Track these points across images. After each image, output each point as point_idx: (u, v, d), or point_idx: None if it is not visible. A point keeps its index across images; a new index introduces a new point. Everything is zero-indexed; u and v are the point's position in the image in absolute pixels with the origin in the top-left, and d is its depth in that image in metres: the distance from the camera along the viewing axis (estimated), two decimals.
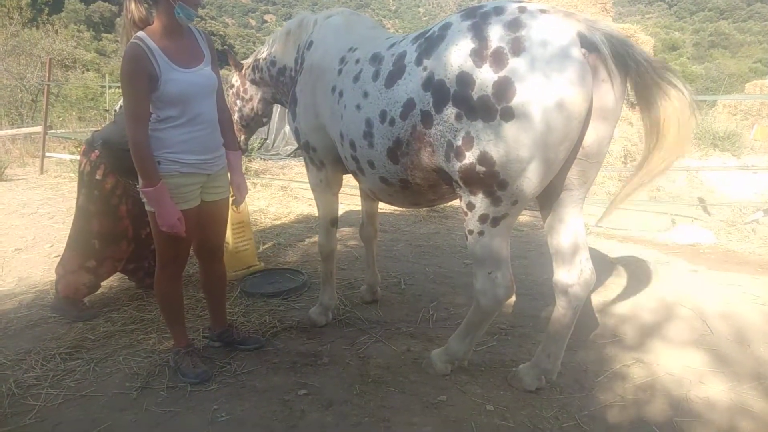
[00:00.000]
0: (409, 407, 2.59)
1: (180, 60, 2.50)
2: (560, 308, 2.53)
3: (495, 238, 2.32)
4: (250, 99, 3.74)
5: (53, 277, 4.36)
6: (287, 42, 3.37)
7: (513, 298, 3.83)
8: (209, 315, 3.23)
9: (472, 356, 2.98)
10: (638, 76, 2.03)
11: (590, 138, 2.17)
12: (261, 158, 10.31)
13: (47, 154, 9.96)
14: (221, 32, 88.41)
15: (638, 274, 4.18)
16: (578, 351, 3.09)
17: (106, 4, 78.50)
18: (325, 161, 3.14)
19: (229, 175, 2.89)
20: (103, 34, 62.75)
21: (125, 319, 3.58)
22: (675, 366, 2.94)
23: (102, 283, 3.88)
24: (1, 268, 4.54)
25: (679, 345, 3.17)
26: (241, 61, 3.81)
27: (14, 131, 11.82)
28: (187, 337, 3.00)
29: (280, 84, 3.51)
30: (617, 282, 4.08)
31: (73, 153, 9.95)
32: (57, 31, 21.87)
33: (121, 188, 3.65)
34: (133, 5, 2.47)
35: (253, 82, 3.69)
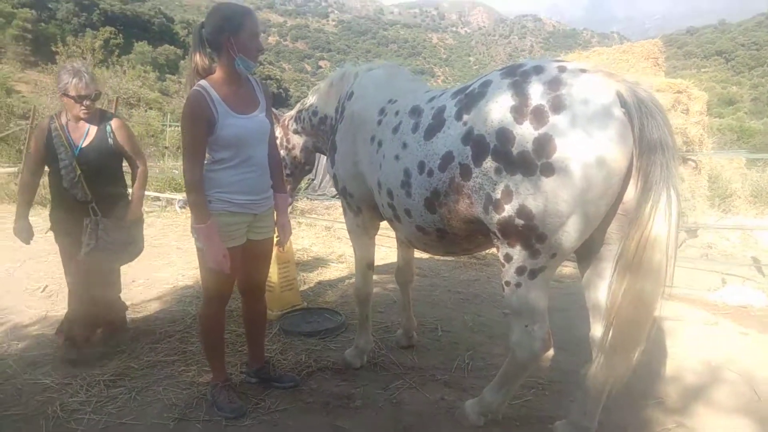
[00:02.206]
0: None
1: (237, 107, 2.67)
2: (596, 365, 2.48)
3: (532, 291, 2.32)
4: (293, 148, 3.89)
5: None
6: (329, 93, 3.53)
7: (552, 352, 3.76)
8: (248, 351, 3.30)
9: (507, 410, 2.91)
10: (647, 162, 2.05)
11: (631, 194, 2.17)
12: (308, 198, 10.56)
13: None
14: (278, 77, 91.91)
15: (683, 335, 4.03)
16: (618, 411, 2.98)
17: (172, 47, 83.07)
18: (362, 207, 3.22)
19: (275, 215, 3.01)
20: (167, 75, 66.09)
21: (168, 349, 3.68)
22: None
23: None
24: (56, 294, 4.77)
25: (724, 411, 3.03)
26: (283, 113, 4.04)
27: None
28: (225, 371, 3.06)
29: (320, 132, 3.65)
30: (661, 342, 3.94)
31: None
32: (125, 71, 23.30)
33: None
34: (198, 57, 2.65)
35: (295, 132, 3.85)
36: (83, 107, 3.39)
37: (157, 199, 9.52)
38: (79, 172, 3.39)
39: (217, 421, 2.83)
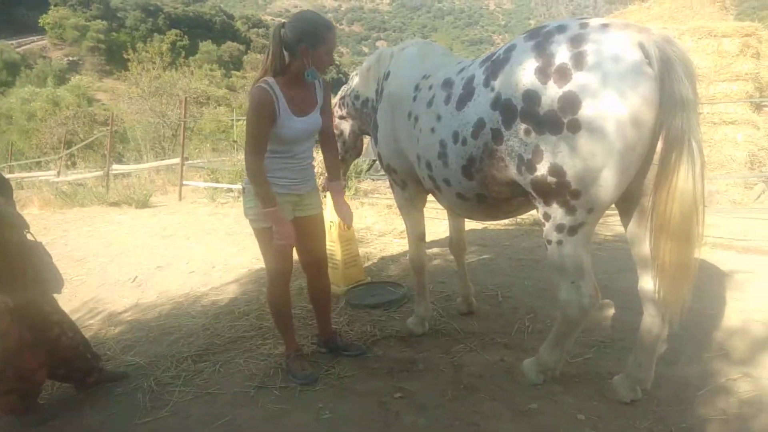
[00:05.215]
0: (500, 414, 2.66)
1: (297, 108, 2.84)
2: (648, 316, 2.52)
3: (574, 247, 2.38)
4: (341, 134, 4.02)
5: (188, 290, 4.97)
6: (368, 76, 3.63)
7: (614, 311, 3.77)
8: (317, 323, 3.52)
9: (568, 367, 2.99)
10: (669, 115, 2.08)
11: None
12: (371, 179, 10.75)
13: (185, 182, 11.12)
14: (337, 62, 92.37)
15: (753, 287, 3.91)
16: (680, 364, 2.99)
17: (234, 43, 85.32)
18: (407, 181, 3.33)
19: (332, 202, 3.20)
20: (233, 72, 68.03)
21: (246, 326, 3.96)
22: None
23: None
24: (145, 283, 5.23)
25: None
26: None
27: (157, 163, 13.37)
28: (296, 342, 3.30)
29: (364, 115, 3.76)
30: (730, 295, 3.85)
31: (206, 181, 11.04)
32: (192, 71, 24.34)
33: None
34: (276, 58, 2.77)
35: (341, 118, 3.98)
36: None
37: (230, 190, 10.02)
38: None
39: (292, 387, 3.06)
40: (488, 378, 3.00)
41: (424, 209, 3.56)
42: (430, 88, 2.92)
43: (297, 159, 2.96)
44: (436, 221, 6.58)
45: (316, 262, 3.29)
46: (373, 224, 7.07)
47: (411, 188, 3.36)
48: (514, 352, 3.29)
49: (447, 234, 4.00)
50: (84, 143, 18.12)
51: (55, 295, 3.21)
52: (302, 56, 2.72)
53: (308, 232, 3.14)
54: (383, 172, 3.60)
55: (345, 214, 3.20)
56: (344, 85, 4.05)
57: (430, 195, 3.35)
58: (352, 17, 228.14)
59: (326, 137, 3.18)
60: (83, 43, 65.26)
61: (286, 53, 2.78)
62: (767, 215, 5.93)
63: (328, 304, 3.48)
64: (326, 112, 3.10)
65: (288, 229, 2.84)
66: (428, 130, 2.84)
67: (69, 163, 17.80)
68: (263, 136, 2.76)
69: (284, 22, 2.78)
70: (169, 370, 3.39)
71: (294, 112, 2.81)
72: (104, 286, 5.34)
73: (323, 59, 2.78)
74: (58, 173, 15.60)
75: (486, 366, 3.14)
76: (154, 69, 21.15)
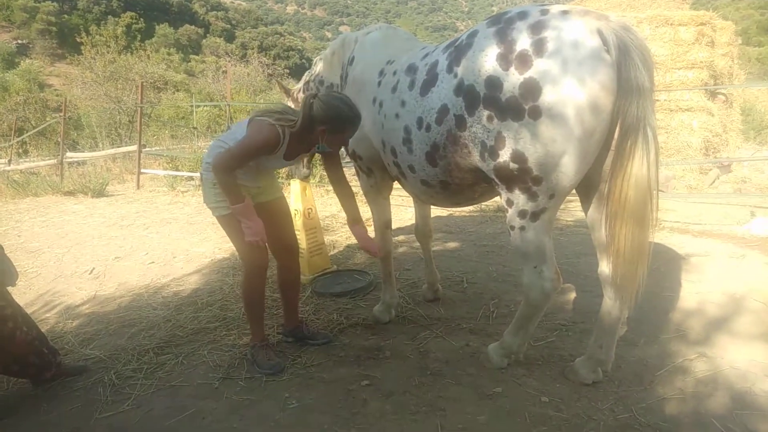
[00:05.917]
0: (465, 398, 2.69)
1: (289, 155, 2.97)
2: (608, 299, 2.58)
3: (537, 233, 2.41)
4: None
5: (148, 281, 4.85)
6: (333, 61, 3.60)
7: (575, 294, 3.86)
8: (283, 313, 3.49)
9: (531, 351, 3.04)
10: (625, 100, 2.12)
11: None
12: None
13: (143, 170, 10.81)
14: (299, 47, 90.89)
15: (709, 269, 4.05)
16: (640, 346, 3.08)
17: (193, 27, 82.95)
18: (373, 168, 3.32)
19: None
20: (191, 56, 66.27)
21: (210, 317, 3.90)
22: (740, 360, 2.87)
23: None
24: (103, 275, 5.08)
25: (747, 339, 3.09)
26: (290, 87, 4.12)
27: (113, 151, 12.97)
28: (263, 332, 3.26)
29: None
30: (686, 277, 3.98)
31: (166, 169, 10.77)
32: (149, 55, 23.66)
33: None
34: (304, 123, 2.82)
35: None
36: None
37: (191, 178, 9.81)
38: None
39: (257, 378, 3.03)
40: (454, 363, 3.04)
41: (390, 196, 3.56)
42: (395, 73, 2.91)
43: (256, 176, 3.08)
44: (402, 208, 6.60)
45: (286, 248, 3.28)
46: (338, 212, 7.01)
47: (377, 175, 3.35)
48: (479, 337, 3.33)
49: (413, 221, 4.01)
50: (36, 130, 17.41)
51: (8, 288, 3.09)
52: (320, 133, 2.81)
53: (271, 218, 3.11)
54: (348, 159, 3.57)
55: (371, 248, 3.18)
56: (308, 71, 4.00)
57: (395, 182, 3.34)
58: (315, 1, 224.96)
59: (337, 179, 3.21)
60: (33, 25, 62.42)
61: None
62: (721, 200, 6.14)
63: (297, 293, 3.47)
64: (334, 157, 3.16)
65: (258, 224, 2.85)
66: (393, 116, 2.83)
67: (21, 151, 17.11)
68: (252, 159, 2.86)
69: (317, 94, 2.84)
70: (131, 363, 3.31)
71: (285, 157, 2.95)
72: (60, 278, 5.17)
73: (336, 143, 2.93)
74: (9, 162, 14.98)
75: (451, 351, 3.18)
76: (108, 53, 20.47)
